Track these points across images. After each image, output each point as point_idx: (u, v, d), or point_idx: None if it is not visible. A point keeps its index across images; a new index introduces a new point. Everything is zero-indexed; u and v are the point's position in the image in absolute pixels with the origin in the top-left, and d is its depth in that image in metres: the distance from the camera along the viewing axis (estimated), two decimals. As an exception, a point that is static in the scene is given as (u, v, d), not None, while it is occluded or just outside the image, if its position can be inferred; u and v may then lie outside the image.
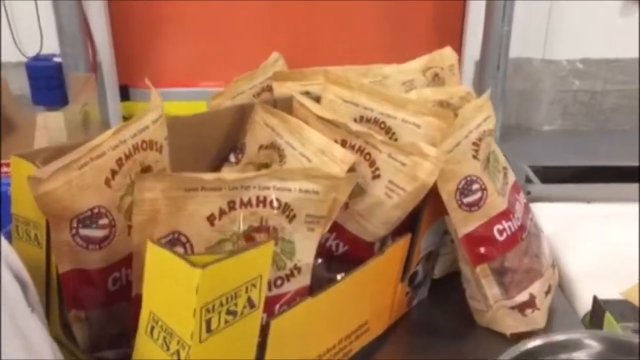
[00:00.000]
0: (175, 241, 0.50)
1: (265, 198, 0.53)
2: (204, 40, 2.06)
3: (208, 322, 0.46)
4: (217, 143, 0.72)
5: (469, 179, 0.64)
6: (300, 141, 0.64)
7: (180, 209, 0.50)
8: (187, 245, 0.51)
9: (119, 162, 0.54)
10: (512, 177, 0.70)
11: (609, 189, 0.90)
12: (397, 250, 0.65)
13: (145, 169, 0.57)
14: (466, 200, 0.64)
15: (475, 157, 0.65)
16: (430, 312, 0.73)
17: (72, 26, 1.84)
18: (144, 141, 0.57)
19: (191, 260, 0.45)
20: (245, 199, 0.52)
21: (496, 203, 0.65)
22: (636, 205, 0.85)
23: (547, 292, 0.68)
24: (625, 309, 0.66)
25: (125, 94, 2.06)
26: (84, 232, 0.52)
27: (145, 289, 0.48)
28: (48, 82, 1.89)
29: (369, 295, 0.65)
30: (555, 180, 0.98)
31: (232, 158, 0.70)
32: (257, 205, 0.52)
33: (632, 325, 0.64)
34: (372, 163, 0.64)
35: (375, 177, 0.64)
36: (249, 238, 0.52)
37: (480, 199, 0.64)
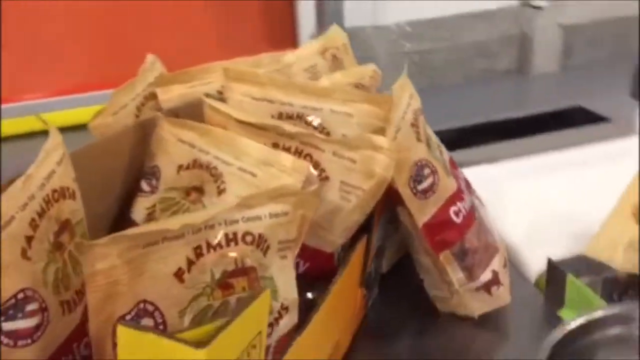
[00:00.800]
0: (141, 313, 0.38)
1: (235, 234, 0.42)
2: (20, 49, 1.80)
3: (215, 407, 0.36)
4: (121, 173, 0.59)
5: (419, 164, 0.58)
6: (234, 154, 0.53)
7: (140, 272, 0.38)
8: (156, 314, 0.39)
9: (33, 225, 0.41)
10: (446, 153, 0.65)
11: (506, 146, 0.90)
12: (358, 255, 0.58)
13: (64, 225, 0.44)
14: (420, 187, 0.58)
15: (419, 139, 0.59)
16: (385, 310, 0.67)
17: None
18: (54, 190, 0.43)
19: (186, 339, 0.34)
20: (213, 241, 0.41)
21: (447, 184, 0.60)
22: (539, 157, 0.85)
23: (504, 266, 0.64)
24: (578, 266, 0.64)
25: None
26: (9, 326, 0.38)
27: (122, 385, 0.36)
28: None
29: (340, 313, 0.57)
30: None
31: (145, 187, 0.58)
32: (228, 245, 0.42)
33: (591, 279, 0.62)
34: (316, 165, 0.56)
35: (324, 179, 0.55)
36: (226, 286, 0.42)
37: (434, 183, 0.59)
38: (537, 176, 0.81)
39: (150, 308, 0.39)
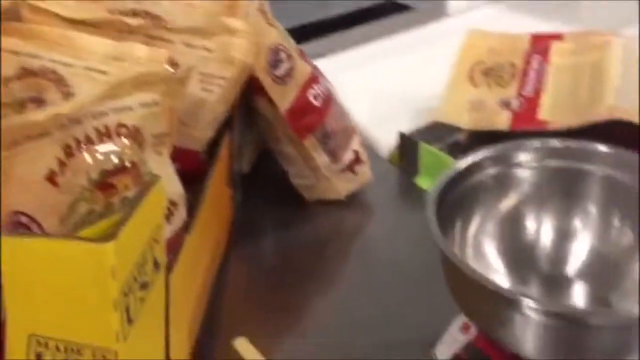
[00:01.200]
0: (15, 226, 0.32)
1: (107, 127, 0.37)
2: None
3: (127, 310, 0.32)
4: None
5: (274, 48, 0.55)
6: (74, 54, 0.46)
7: (8, 179, 0.32)
8: (33, 225, 0.33)
9: None
10: (291, 39, 0.63)
11: (329, 42, 0.89)
12: (224, 152, 0.55)
13: None
14: (278, 72, 0.56)
15: (269, 23, 0.56)
16: (251, 209, 0.64)
17: None
18: None
19: (85, 237, 0.29)
20: (83, 137, 0.36)
21: (303, 68, 0.58)
22: (362, 49, 0.86)
23: (362, 145, 0.65)
24: (423, 137, 0.66)
25: None
26: None
27: (13, 306, 0.30)
28: None
29: (216, 213, 0.54)
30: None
31: (-35, 108, 0.48)
32: (101, 140, 0.36)
33: (437, 146, 0.65)
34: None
35: (179, 74, 0.50)
36: (106, 187, 0.37)
37: (291, 67, 0.57)
38: (366, 65, 0.82)
39: (24, 220, 0.33)
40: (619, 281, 0.44)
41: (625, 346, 0.38)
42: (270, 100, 0.56)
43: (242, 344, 0.49)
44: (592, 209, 0.45)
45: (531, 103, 0.61)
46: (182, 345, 0.44)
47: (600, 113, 0.56)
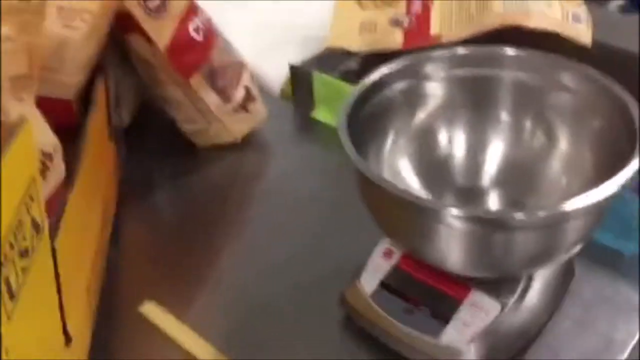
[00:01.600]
0: None
1: (-52, 69, 0.29)
2: None
3: (7, 284, 0.26)
4: None
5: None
6: None
7: None
8: None
9: None
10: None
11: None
12: (101, 99, 0.47)
13: None
14: (151, 4, 0.49)
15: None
16: (139, 164, 0.58)
17: None
18: None
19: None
20: None
21: (178, -2, 0.52)
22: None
23: (253, 80, 0.59)
24: (318, 65, 0.62)
25: None
26: None
27: None
28: None
29: (101, 167, 0.47)
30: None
31: None
32: (-58, 86, 0.29)
33: (337, 72, 0.61)
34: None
35: (33, 11, 0.42)
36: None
37: (164, -3, 0.50)
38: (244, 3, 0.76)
39: None
40: (533, 185, 0.43)
41: (549, 247, 0.37)
42: (147, 37, 0.49)
43: (150, 309, 0.44)
44: (504, 115, 0.43)
45: (421, 19, 0.59)
46: (81, 319, 0.38)
47: (491, 21, 0.55)
